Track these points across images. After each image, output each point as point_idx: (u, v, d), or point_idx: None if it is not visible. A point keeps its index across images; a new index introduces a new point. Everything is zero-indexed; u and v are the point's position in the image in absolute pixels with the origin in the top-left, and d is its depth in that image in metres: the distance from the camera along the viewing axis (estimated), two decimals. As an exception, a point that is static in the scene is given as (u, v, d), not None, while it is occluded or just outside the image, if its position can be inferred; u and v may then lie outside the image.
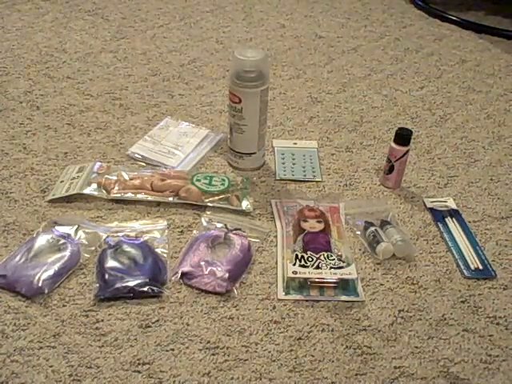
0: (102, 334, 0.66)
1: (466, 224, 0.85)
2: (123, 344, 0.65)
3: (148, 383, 0.61)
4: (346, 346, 0.66)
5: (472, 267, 0.77)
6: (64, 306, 0.69)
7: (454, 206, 0.88)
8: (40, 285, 0.69)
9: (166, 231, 0.80)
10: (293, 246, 0.77)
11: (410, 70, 1.32)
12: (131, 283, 0.69)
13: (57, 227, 0.78)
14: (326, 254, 0.74)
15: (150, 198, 0.84)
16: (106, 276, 0.70)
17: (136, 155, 0.95)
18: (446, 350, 0.67)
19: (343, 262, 0.74)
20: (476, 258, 0.79)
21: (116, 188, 0.85)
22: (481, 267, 0.77)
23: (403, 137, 0.87)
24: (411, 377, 0.63)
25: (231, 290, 0.71)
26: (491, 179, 0.96)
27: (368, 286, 0.74)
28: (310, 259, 0.74)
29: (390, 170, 0.90)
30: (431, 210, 0.87)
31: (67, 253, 0.74)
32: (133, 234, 0.78)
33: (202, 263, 0.73)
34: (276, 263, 0.77)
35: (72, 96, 1.12)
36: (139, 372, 0.62)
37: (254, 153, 0.92)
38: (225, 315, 0.69)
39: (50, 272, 0.70)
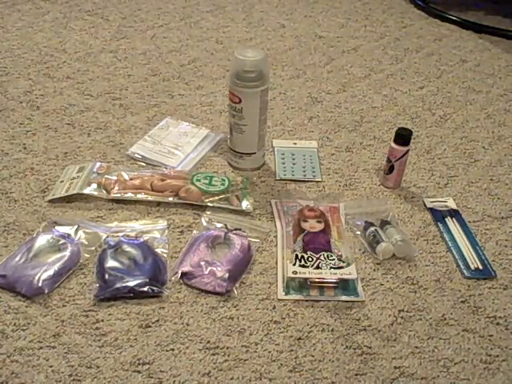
0: (102, 334, 0.66)
1: (466, 224, 0.85)
2: (123, 344, 0.65)
3: (148, 383, 0.61)
4: (346, 346, 0.66)
5: (472, 267, 0.77)
6: (64, 306, 0.69)
7: (454, 206, 0.88)
8: (40, 285, 0.69)
9: (166, 231, 0.80)
10: (293, 246, 0.77)
11: (410, 70, 1.32)
12: (131, 283, 0.69)
13: (57, 227, 0.78)
14: (326, 254, 0.74)
15: (150, 198, 0.84)
16: (106, 276, 0.70)
17: (136, 155, 0.95)
18: (446, 350, 0.67)
19: (343, 262, 0.74)
20: (476, 258, 0.79)
21: (116, 188, 0.85)
22: (481, 267, 0.77)
23: (403, 137, 0.87)
24: (411, 377, 0.63)
25: (231, 290, 0.71)
26: (491, 179, 0.96)
27: (368, 286, 0.74)
28: (310, 259, 0.74)
29: (390, 169, 0.90)
30: (431, 210, 0.87)
31: (67, 253, 0.74)
32: (133, 234, 0.78)
33: (202, 263, 0.73)
34: (276, 263, 0.77)
35: (72, 96, 1.12)
36: (139, 372, 0.62)
37: (254, 153, 0.92)
38: (225, 315, 0.69)
39: (50, 272, 0.70)
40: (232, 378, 0.62)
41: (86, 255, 0.75)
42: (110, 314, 0.68)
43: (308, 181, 0.93)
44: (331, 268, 0.73)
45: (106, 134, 1.01)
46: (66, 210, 0.83)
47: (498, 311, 0.72)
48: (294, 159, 0.98)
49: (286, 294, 0.72)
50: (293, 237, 0.79)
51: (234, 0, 1.66)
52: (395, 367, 0.64)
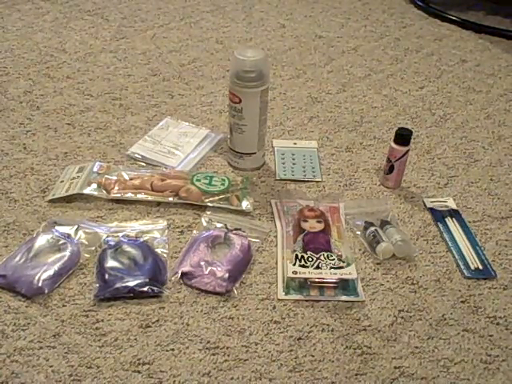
0: (102, 334, 0.66)
1: (466, 224, 0.85)
2: (123, 344, 0.65)
3: (148, 383, 0.61)
4: (346, 346, 0.66)
5: (472, 267, 0.77)
6: (64, 305, 0.69)
7: (454, 206, 0.88)
8: (40, 285, 0.69)
9: (166, 231, 0.80)
10: (293, 246, 0.77)
11: (410, 70, 1.32)
12: (131, 283, 0.69)
13: (57, 227, 0.78)
14: (325, 254, 0.74)
15: (150, 198, 0.84)
16: (106, 276, 0.70)
17: (136, 155, 0.95)
18: (446, 350, 0.67)
19: (343, 262, 0.74)
20: (476, 258, 0.79)
21: (116, 188, 0.85)
22: (481, 267, 0.77)
23: (403, 137, 0.87)
24: (411, 377, 0.63)
25: (231, 290, 0.71)
26: (491, 179, 0.96)
27: (368, 286, 0.74)
28: (310, 259, 0.74)
29: (390, 169, 0.90)
30: (431, 209, 0.87)
31: (67, 253, 0.74)
32: (133, 234, 0.78)
33: (202, 263, 0.73)
34: (276, 263, 0.77)
35: (72, 96, 1.12)
36: (139, 372, 0.62)
37: (254, 153, 0.92)
38: (225, 315, 0.69)
39: (50, 272, 0.70)
40: (232, 378, 0.62)
41: (86, 255, 0.75)
42: (109, 314, 0.68)
43: (308, 181, 0.93)
44: (331, 268, 0.73)
45: (106, 134, 1.01)
46: (66, 210, 0.83)
47: (497, 311, 0.72)
48: (294, 159, 0.98)
49: (286, 294, 0.72)
50: (293, 237, 0.79)
51: (234, 0, 1.66)
52: (395, 367, 0.64)
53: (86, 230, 0.78)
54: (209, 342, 0.66)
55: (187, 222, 0.82)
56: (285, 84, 1.22)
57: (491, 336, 0.69)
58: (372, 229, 0.80)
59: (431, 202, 0.89)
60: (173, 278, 0.73)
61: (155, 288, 0.70)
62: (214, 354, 0.64)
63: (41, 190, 0.87)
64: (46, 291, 0.69)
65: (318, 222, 0.81)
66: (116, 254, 0.74)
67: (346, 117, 1.11)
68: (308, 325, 0.69)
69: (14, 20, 1.44)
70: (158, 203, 0.85)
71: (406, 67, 1.33)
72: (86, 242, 0.76)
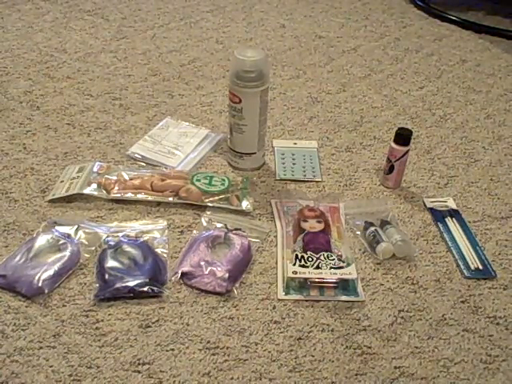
0: (102, 334, 0.66)
1: (466, 224, 0.85)
2: (123, 344, 0.65)
3: (148, 383, 0.61)
4: (346, 346, 0.66)
5: (472, 267, 0.77)
6: (64, 306, 0.69)
7: (454, 206, 0.88)
8: (40, 285, 0.69)
9: (166, 231, 0.80)
10: (293, 246, 0.77)
11: (410, 70, 1.32)
12: (131, 283, 0.69)
13: (57, 227, 0.78)
14: (326, 254, 0.74)
15: (150, 198, 0.84)
16: (106, 276, 0.70)
17: (136, 155, 0.95)
18: (446, 350, 0.67)
19: (343, 262, 0.74)
20: (476, 258, 0.79)
21: (116, 188, 0.85)
22: (481, 267, 0.77)
23: (403, 137, 0.87)
24: (411, 377, 0.63)
25: (231, 290, 0.71)
26: (491, 179, 0.96)
27: (368, 286, 0.74)
28: (310, 259, 0.74)
29: (390, 170, 0.90)
30: (431, 210, 0.87)
31: (67, 253, 0.74)
32: (133, 234, 0.78)
33: (202, 263, 0.73)
34: (276, 263, 0.77)
35: (72, 96, 1.12)
36: (139, 372, 0.62)
37: (254, 153, 0.92)
38: (225, 315, 0.69)
39: (50, 272, 0.70)
40: (232, 378, 0.62)
41: (86, 255, 0.75)
42: (109, 314, 0.68)
43: (308, 181, 0.93)
44: (331, 268, 0.73)
45: (105, 134, 1.01)
46: (66, 210, 0.83)
47: (498, 311, 0.72)
48: (294, 159, 0.98)
49: (286, 294, 0.72)
50: (293, 237, 0.79)
51: (233, 0, 1.66)
52: (395, 367, 0.64)
53: (86, 230, 0.78)
54: (209, 341, 0.66)
55: (187, 222, 0.82)
56: (285, 84, 1.22)
57: (491, 336, 0.69)
58: (372, 229, 0.80)
59: (431, 201, 0.89)
60: (173, 278, 0.73)
61: (155, 288, 0.70)
62: (214, 354, 0.64)
63: (41, 190, 0.87)
64: (46, 291, 0.69)
65: (318, 222, 0.81)
66: (116, 253, 0.74)
67: (345, 117, 1.11)
68: (308, 325, 0.69)
69: (14, 20, 1.44)
70: (158, 203, 0.85)
71: (406, 67, 1.33)
72: (86, 242, 0.76)
